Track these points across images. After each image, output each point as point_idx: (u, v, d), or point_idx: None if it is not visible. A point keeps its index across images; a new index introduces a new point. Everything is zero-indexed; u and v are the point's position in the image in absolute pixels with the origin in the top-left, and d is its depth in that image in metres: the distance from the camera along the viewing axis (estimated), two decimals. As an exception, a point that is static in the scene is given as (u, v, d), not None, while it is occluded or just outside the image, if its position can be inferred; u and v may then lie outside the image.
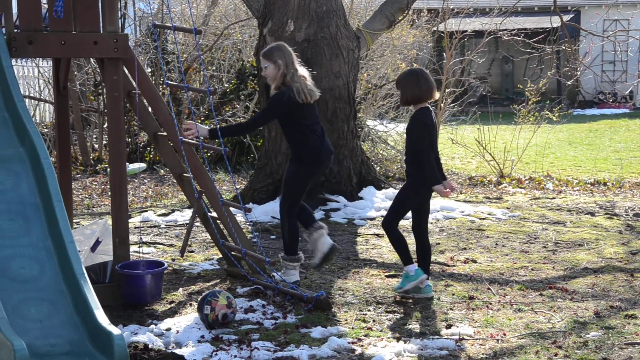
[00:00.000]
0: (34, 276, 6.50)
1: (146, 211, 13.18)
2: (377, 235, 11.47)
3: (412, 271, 8.51)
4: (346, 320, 7.84)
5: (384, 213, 12.39)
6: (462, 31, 19.45)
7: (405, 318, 7.95)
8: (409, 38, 21.21)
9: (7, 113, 7.45)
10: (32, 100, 20.79)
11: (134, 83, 8.79)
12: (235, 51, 20.84)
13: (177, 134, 8.87)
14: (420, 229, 8.86)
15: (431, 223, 12.07)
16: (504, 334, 7.43)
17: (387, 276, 9.39)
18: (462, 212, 13.03)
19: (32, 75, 22.25)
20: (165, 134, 9.08)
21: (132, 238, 9.62)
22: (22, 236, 6.71)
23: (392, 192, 13.42)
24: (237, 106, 18.74)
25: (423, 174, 8.46)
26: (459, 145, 18.37)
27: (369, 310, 8.15)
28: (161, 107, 8.99)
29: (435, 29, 23.74)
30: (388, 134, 18.63)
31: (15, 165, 7.10)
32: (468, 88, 20.20)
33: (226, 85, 19.80)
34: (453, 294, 8.66)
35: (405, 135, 9.29)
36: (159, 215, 12.96)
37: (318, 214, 12.47)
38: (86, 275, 6.46)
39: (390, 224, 8.75)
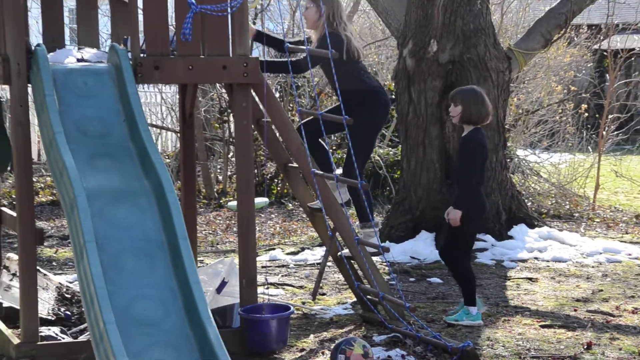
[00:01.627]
0: (158, 319, 6.67)
1: (274, 249, 13.41)
2: (530, 279, 11.39)
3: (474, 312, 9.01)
4: None
5: (538, 255, 12.49)
6: (629, 49, 19.09)
7: None
8: (565, 58, 20.86)
9: (132, 143, 7.68)
10: (155, 129, 21.13)
11: (263, 110, 8.99)
12: (371, 73, 20.86)
13: (310, 166, 8.99)
14: None
15: (592, 267, 12.02)
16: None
17: (542, 326, 9.21)
18: (629, 254, 12.78)
19: (155, 102, 22.62)
20: (296, 165, 9.23)
21: (259, 278, 9.67)
22: (147, 276, 6.90)
23: (547, 230, 13.37)
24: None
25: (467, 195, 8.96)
26: (623, 178, 18.15)
27: None
28: (292, 136, 9.11)
29: (596, 47, 23.32)
30: (541, 165, 18.47)
31: (140, 200, 7.31)
32: (635, 114, 19.81)
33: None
34: (620, 349, 8.41)
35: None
36: (287, 253, 13.14)
37: (462, 255, 12.49)
38: (212, 319, 6.63)
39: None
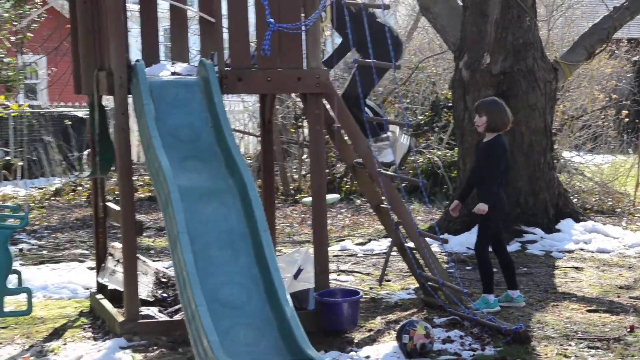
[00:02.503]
0: (242, 302, 6.82)
1: (344, 240, 13.49)
2: (576, 268, 11.37)
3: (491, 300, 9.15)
4: (546, 354, 7.71)
5: (584, 246, 12.45)
6: None
7: (608, 354, 7.71)
8: (607, 69, 20.83)
9: (218, 147, 7.86)
10: (238, 134, 21.35)
11: (334, 116, 9.05)
12: (430, 84, 20.97)
13: (375, 166, 9.07)
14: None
15: (634, 257, 12.16)
16: None
17: (588, 311, 9.19)
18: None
19: (238, 110, 22.88)
20: (363, 165, 9.30)
21: (331, 266, 9.80)
22: (232, 264, 7.06)
23: (592, 224, 13.32)
24: (431, 138, 18.86)
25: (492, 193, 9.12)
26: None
27: (570, 345, 7.97)
28: (360, 140, 9.19)
29: (636, 58, 23.25)
30: (585, 166, 18.41)
31: (225, 197, 7.47)
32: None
33: (420, 117, 19.95)
34: None
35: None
36: (356, 244, 13.23)
37: (514, 246, 12.51)
38: (290, 302, 6.75)
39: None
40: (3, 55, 20.70)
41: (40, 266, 12.11)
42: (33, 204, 18.60)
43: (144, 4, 9.24)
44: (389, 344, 8.04)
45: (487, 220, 9.29)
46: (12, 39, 20.52)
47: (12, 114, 22.26)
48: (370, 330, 8.57)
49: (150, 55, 9.07)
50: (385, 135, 9.70)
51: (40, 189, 20.59)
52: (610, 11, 14.77)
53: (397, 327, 8.04)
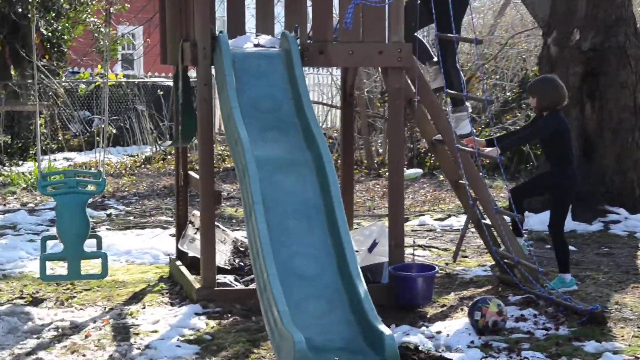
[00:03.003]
0: (315, 274, 6.83)
1: (423, 215, 13.43)
2: (660, 250, 11.15)
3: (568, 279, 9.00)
4: (622, 336, 7.53)
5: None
6: None
7: None
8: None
9: (298, 119, 7.88)
10: (324, 107, 21.30)
11: (414, 90, 8.99)
12: (520, 60, 20.76)
13: (455, 142, 9.00)
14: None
15: None
16: None
17: (672, 293, 9.03)
18: None
19: (326, 83, 22.80)
20: (443, 141, 9.24)
21: (408, 240, 9.74)
22: (306, 236, 7.08)
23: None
24: (518, 114, 18.66)
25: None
26: None
27: None
28: (440, 115, 9.16)
29: None
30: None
31: (303, 169, 7.50)
32: None
33: (508, 94, 19.74)
34: None
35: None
36: (435, 219, 13.16)
37: (597, 225, 12.32)
38: (362, 276, 6.72)
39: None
40: (100, 26, 20.94)
41: (125, 231, 12.28)
42: (124, 171, 18.82)
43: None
44: (461, 320, 7.98)
45: (562, 200, 9.21)
46: (112, 9, 20.69)
47: (109, 84, 22.42)
48: (443, 305, 8.53)
49: (236, 27, 9.07)
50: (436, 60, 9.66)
51: (132, 156, 20.85)
52: None
53: (470, 303, 7.94)
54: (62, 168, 17.70)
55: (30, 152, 20.45)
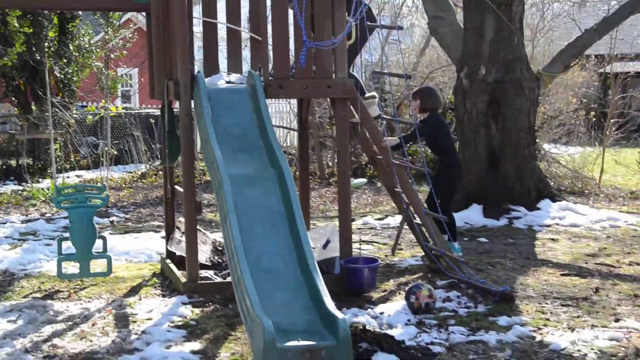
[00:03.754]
0: (279, 269, 6.58)
1: (366, 216, 13.16)
2: (553, 239, 11.03)
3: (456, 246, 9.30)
4: (527, 311, 7.45)
5: (559, 221, 12.12)
6: (625, 72, 18.86)
7: (578, 311, 7.45)
8: (579, 78, 20.60)
9: (262, 142, 7.64)
10: (284, 130, 21.23)
11: (357, 116, 8.76)
12: (438, 90, 20.62)
13: (390, 157, 8.79)
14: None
15: (599, 230, 11.67)
16: (666, 329, 6.90)
17: (562, 274, 8.88)
18: (626, 221, 12.26)
19: (286, 110, 22.70)
20: (381, 157, 9.00)
21: (355, 237, 9.52)
22: (271, 238, 6.83)
23: (565, 204, 13.01)
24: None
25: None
26: (621, 165, 17.75)
27: (546, 304, 7.71)
28: (377, 136, 8.95)
29: (601, 71, 22.91)
30: (560, 155, 18.07)
31: (267, 183, 7.25)
32: (629, 119, 19.36)
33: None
34: (619, 292, 8.09)
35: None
36: (375, 219, 12.88)
37: (503, 221, 12.18)
38: (318, 269, 6.49)
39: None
40: (102, 69, 20.88)
41: (125, 235, 11.92)
42: (124, 185, 18.49)
43: (206, 26, 8.97)
44: (399, 302, 7.78)
45: (449, 182, 9.40)
46: (112, 55, 20.70)
47: (110, 114, 22.44)
48: (384, 291, 8.31)
49: (210, 67, 8.84)
50: (370, 94, 9.52)
51: (130, 173, 20.61)
52: (582, 33, 14.49)
53: (406, 288, 7.78)
54: (73, 183, 17.30)
55: (48, 171, 20.10)
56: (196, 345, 6.67)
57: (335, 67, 8.38)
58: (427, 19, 15.14)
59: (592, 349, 6.43)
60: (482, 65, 12.80)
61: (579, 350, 6.42)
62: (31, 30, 18.90)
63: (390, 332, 6.82)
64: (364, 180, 15.39)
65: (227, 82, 8.45)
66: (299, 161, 9.91)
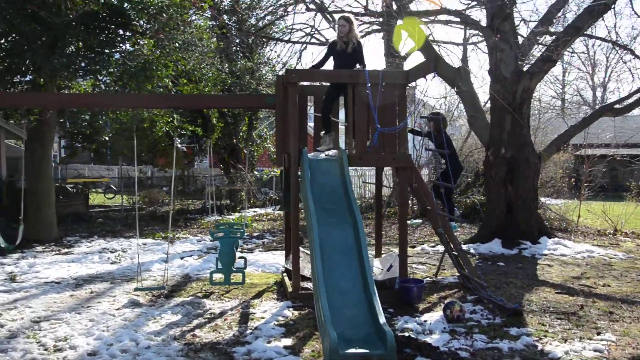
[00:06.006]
0: (349, 290, 5.22)
1: (423, 244, 11.47)
2: (549, 265, 9.16)
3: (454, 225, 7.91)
4: (532, 323, 5.89)
5: (553, 252, 10.24)
6: (593, 155, 16.89)
7: (569, 324, 5.85)
8: (562, 157, 18.58)
9: (345, 199, 6.28)
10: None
11: (414, 179, 7.33)
12: (474, 163, 18.81)
13: (436, 211, 7.28)
14: None
15: (580, 259, 9.77)
16: (638, 344, 5.26)
17: (557, 293, 7.20)
18: (599, 253, 10.29)
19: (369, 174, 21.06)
20: (430, 208, 7.49)
21: (414, 259, 8.09)
22: (345, 266, 5.47)
23: (557, 240, 11.08)
24: (474, 190, 16.74)
25: None
26: (591, 212, 15.61)
27: (545, 317, 6.12)
28: (427, 194, 7.46)
29: (577, 153, 20.73)
30: (552, 205, 16.03)
31: (346, 226, 5.88)
32: (595, 183, 17.16)
33: (469, 179, 17.79)
34: (598, 309, 6.42)
35: None
36: (430, 246, 11.15)
37: (515, 251, 10.33)
38: (376, 292, 5.08)
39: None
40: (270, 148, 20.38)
41: (268, 252, 10.70)
42: (278, 218, 17.36)
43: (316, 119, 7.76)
44: (438, 312, 6.27)
45: (451, 181, 8.02)
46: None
47: (272, 175, 22.06)
48: (429, 302, 6.77)
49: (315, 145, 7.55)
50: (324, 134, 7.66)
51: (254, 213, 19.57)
52: (568, 127, 12.74)
53: (445, 302, 6.28)
54: (240, 218, 16.18)
55: (238, 208, 19.32)
56: (289, 341, 5.35)
57: (398, 145, 6.98)
58: (467, 117, 13.57)
59: (581, 359, 4.88)
60: (503, 147, 11.14)
61: (570, 359, 4.87)
62: (221, 124, 18.18)
63: (429, 337, 5.37)
64: (420, 220, 13.76)
65: (327, 155, 7.13)
66: (376, 207, 8.46)
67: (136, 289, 7.11)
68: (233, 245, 7.24)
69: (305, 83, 7.99)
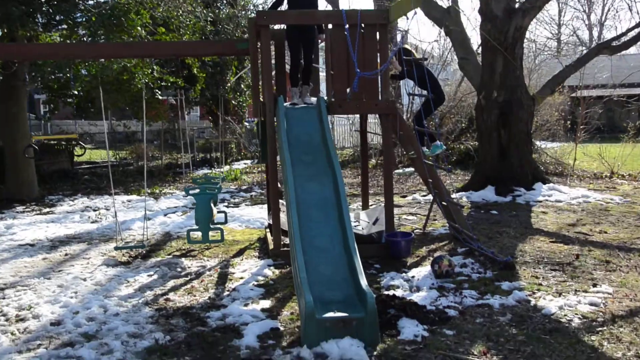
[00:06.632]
0: (327, 248, 4.83)
1: (415, 193, 11.07)
2: (543, 212, 8.79)
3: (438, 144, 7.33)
4: (524, 276, 5.51)
5: (548, 198, 9.88)
6: (589, 96, 16.45)
7: (564, 276, 5.49)
8: (558, 100, 18.09)
9: (323, 147, 5.84)
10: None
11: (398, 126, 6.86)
12: (468, 107, 18.29)
13: (422, 157, 6.83)
14: None
15: (576, 205, 9.42)
16: (635, 295, 4.92)
17: (551, 242, 6.82)
18: (595, 198, 9.93)
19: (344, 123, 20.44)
20: (415, 156, 7.02)
21: (404, 209, 7.70)
22: (323, 221, 5.06)
23: (552, 185, 10.68)
24: (468, 135, 16.28)
25: None
26: (587, 155, 15.20)
27: (539, 268, 5.75)
28: (413, 141, 6.95)
29: (573, 95, 20.23)
30: (547, 148, 15.66)
31: (323, 178, 5.46)
32: (591, 125, 16.70)
33: (463, 124, 17.29)
34: (594, 258, 6.06)
35: None
36: (421, 196, 10.72)
37: (508, 198, 9.95)
38: (357, 250, 4.71)
39: None
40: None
41: (254, 206, 10.31)
42: (255, 172, 16.91)
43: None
44: (426, 267, 5.89)
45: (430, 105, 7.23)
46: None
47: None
48: (417, 256, 6.39)
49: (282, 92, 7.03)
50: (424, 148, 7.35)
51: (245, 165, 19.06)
52: (563, 67, 12.17)
53: (434, 255, 5.95)
54: (224, 172, 15.57)
55: (228, 161, 18.84)
56: (267, 303, 5.01)
57: (380, 90, 6.48)
58: (457, 60, 12.99)
59: (576, 314, 4.54)
60: (495, 90, 10.63)
61: (565, 315, 4.53)
62: (203, 74, 17.31)
63: (416, 295, 5.02)
64: (412, 169, 13.31)
65: (306, 104, 6.64)
66: (361, 157, 8.03)
67: (115, 248, 6.77)
68: (210, 202, 6.82)
69: (280, 27, 7.41)
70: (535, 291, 5.06)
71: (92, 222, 9.10)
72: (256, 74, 6.79)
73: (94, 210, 10.25)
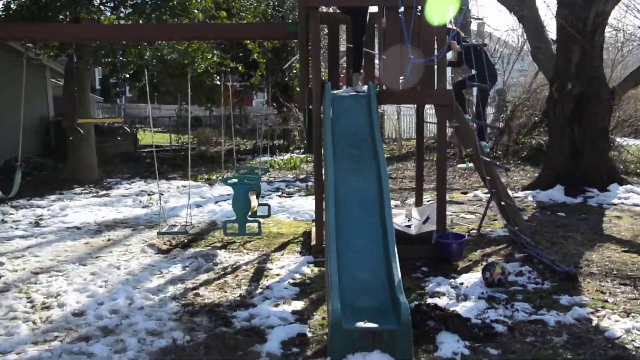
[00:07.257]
0: (365, 250, 4.45)
1: (477, 190, 10.36)
2: (617, 217, 8.00)
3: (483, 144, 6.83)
4: (588, 290, 4.91)
5: (624, 201, 9.05)
6: None
7: (634, 292, 4.84)
8: (644, 92, 16.75)
9: (370, 138, 5.42)
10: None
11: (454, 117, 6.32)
12: (542, 100, 17.24)
13: (480, 152, 6.26)
14: None
15: None
16: None
17: (623, 251, 6.11)
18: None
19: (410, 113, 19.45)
20: (473, 152, 6.44)
21: (463, 207, 7.14)
22: (363, 220, 4.66)
23: (630, 187, 9.77)
24: (541, 130, 15.35)
25: None
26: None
27: (606, 282, 5.11)
28: (470, 134, 6.38)
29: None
30: (629, 145, 14.48)
31: (367, 173, 5.06)
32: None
33: (537, 118, 16.28)
34: None
35: None
36: (483, 193, 10.00)
37: (579, 199, 9.17)
38: (397, 254, 4.30)
39: None
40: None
41: (308, 197, 9.98)
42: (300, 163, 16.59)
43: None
44: (477, 273, 5.37)
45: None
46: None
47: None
48: (470, 260, 5.87)
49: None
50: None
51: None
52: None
53: (488, 260, 5.48)
54: (284, 161, 15.27)
55: (290, 148, 18.57)
56: (299, 304, 4.70)
57: (436, 79, 5.98)
58: (529, 49, 12.15)
59: (646, 341, 3.92)
60: (569, 82, 9.81)
61: (632, 341, 3.94)
62: (263, 60, 17.05)
63: (461, 305, 4.56)
64: (472, 165, 12.54)
65: (355, 91, 6.23)
66: (417, 148, 7.54)
67: (159, 234, 6.64)
68: (247, 193, 6.56)
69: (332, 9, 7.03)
70: (599, 309, 4.49)
71: (143, 207, 9.09)
72: (304, 59, 6.45)
73: (149, 195, 10.27)
